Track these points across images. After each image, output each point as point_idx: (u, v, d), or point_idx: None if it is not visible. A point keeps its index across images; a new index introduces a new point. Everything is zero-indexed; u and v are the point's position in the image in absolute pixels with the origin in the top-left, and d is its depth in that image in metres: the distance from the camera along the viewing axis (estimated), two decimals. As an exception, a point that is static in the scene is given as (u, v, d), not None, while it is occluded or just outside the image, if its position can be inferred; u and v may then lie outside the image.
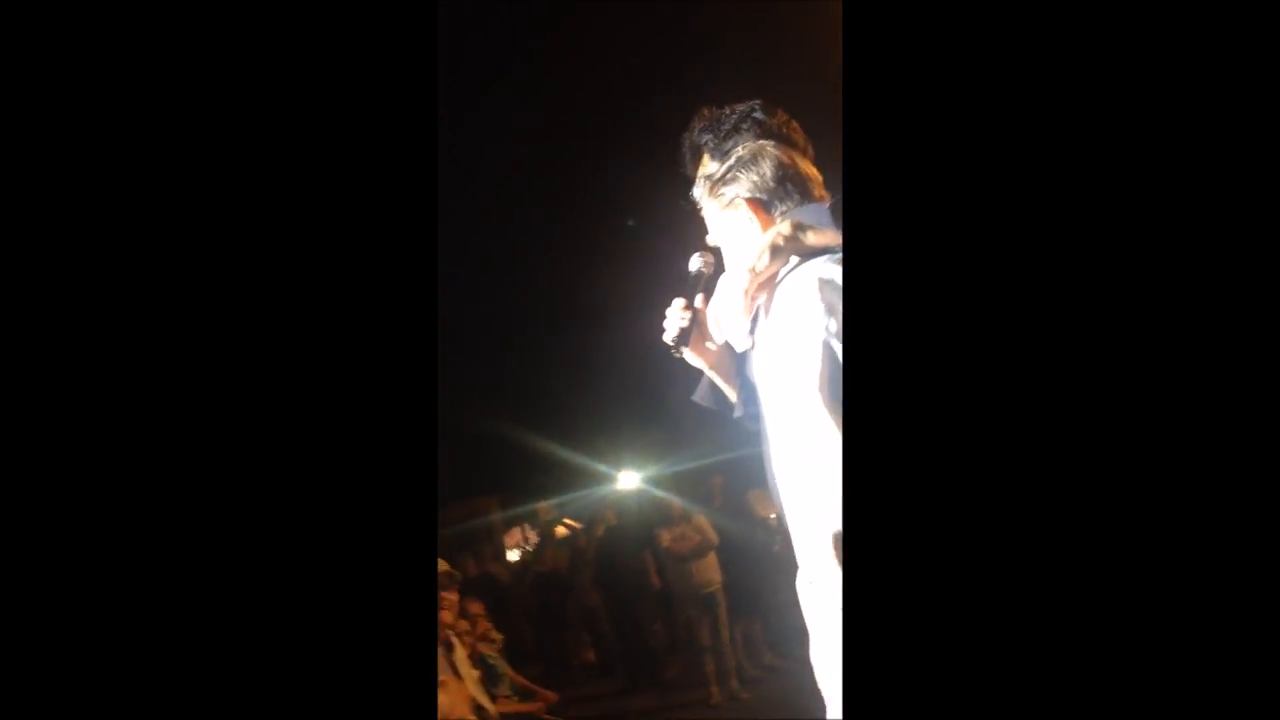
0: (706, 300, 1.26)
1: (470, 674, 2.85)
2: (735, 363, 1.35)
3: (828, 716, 0.97)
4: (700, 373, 1.40)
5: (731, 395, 1.37)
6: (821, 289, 1.01)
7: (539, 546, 8.32)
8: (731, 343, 1.21)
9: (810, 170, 1.34)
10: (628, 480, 10.22)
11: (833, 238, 1.09)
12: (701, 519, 5.38)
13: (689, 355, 1.35)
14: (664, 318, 1.35)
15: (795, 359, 0.99)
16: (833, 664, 0.91)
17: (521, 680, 3.83)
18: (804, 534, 0.97)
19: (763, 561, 5.55)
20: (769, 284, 1.11)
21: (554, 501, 8.61)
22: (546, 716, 3.47)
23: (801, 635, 1.05)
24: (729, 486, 5.83)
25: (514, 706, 3.25)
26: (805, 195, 1.18)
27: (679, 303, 1.30)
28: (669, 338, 1.33)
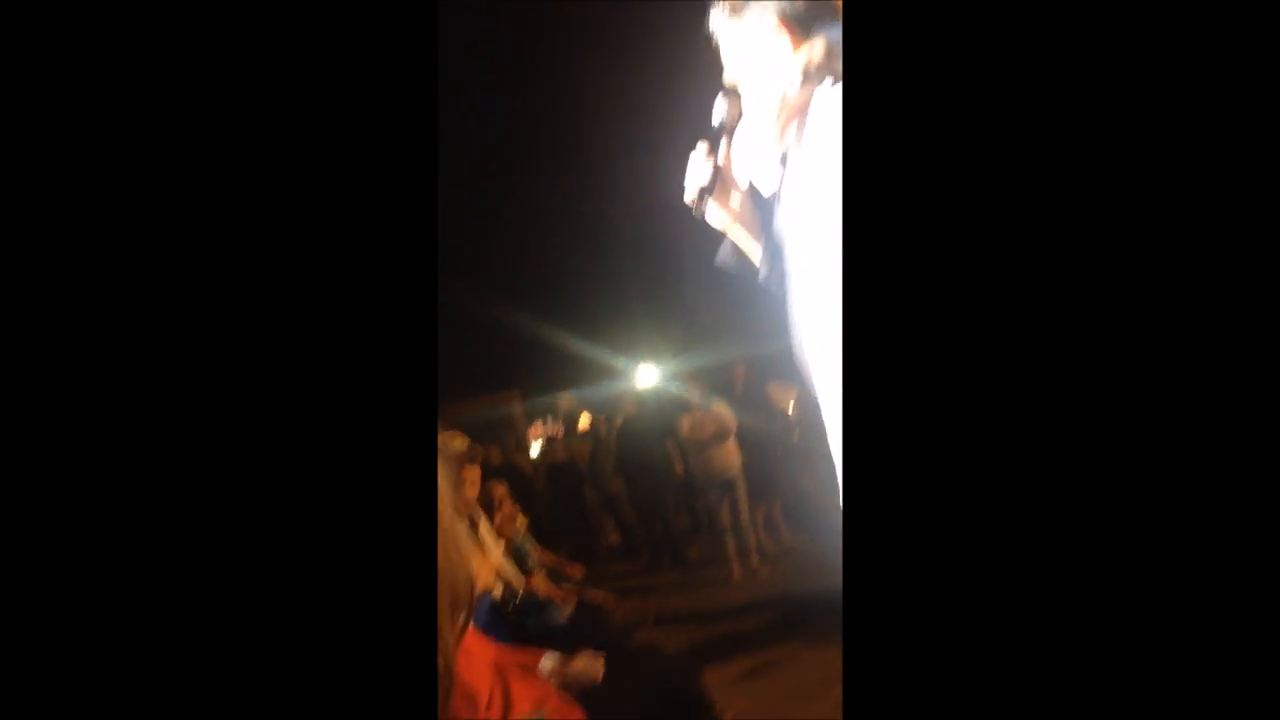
0: (729, 150, 1.20)
1: (495, 547, 2.95)
2: (760, 218, 1.30)
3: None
4: (722, 236, 1.36)
5: (756, 256, 1.33)
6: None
7: (561, 437, 8.48)
8: (757, 185, 1.14)
9: None
10: (647, 373, 10.30)
11: None
12: (720, 407, 5.43)
13: (711, 214, 1.30)
14: (683, 175, 1.29)
15: (833, 196, 0.89)
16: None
17: (548, 556, 3.96)
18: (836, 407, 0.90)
19: (782, 448, 5.64)
20: (801, 113, 1.01)
21: (575, 393, 8.72)
22: (572, 585, 3.60)
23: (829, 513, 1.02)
24: (750, 375, 5.85)
25: (541, 581, 3.37)
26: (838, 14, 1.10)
27: (701, 149, 1.23)
28: (689, 198, 1.27)
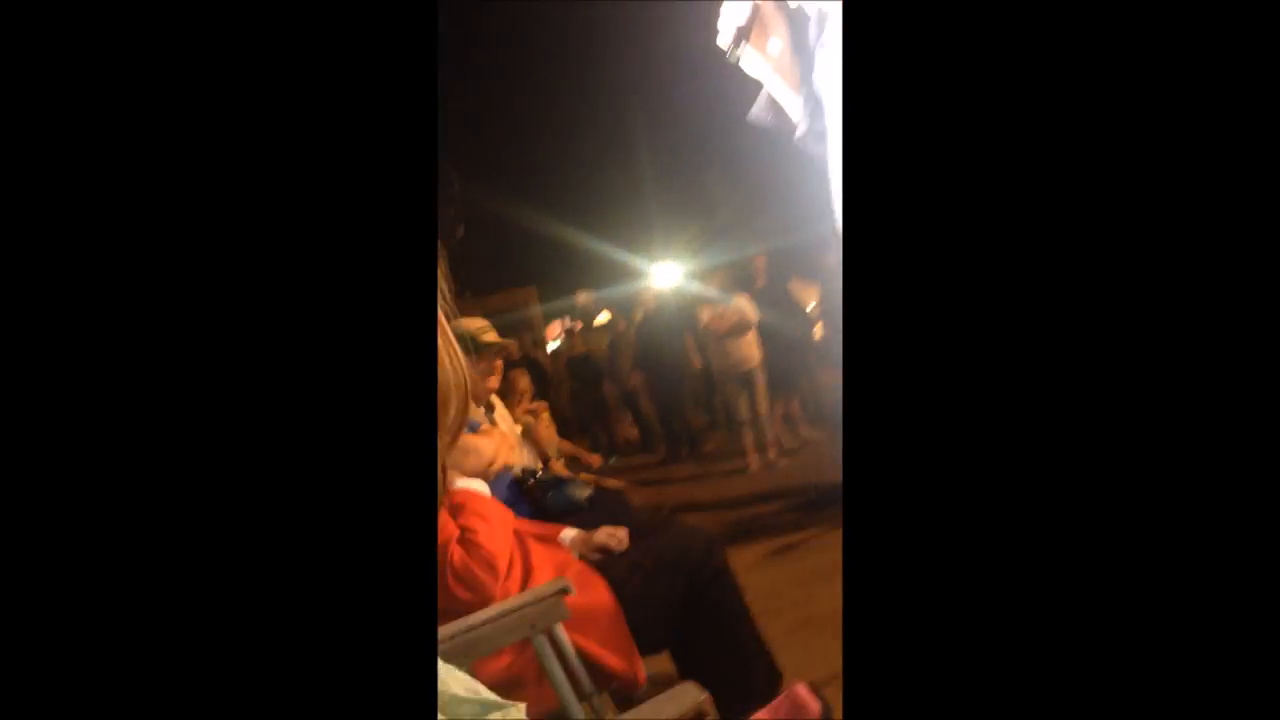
0: None
1: (513, 429, 2.94)
2: (801, 68, 1.20)
3: None
4: (759, 87, 1.26)
5: (794, 111, 1.23)
6: None
7: (580, 332, 8.47)
8: (799, 30, 1.03)
9: None
10: (666, 272, 10.19)
11: None
12: (742, 299, 5.35)
13: (747, 59, 1.20)
14: (717, 15, 1.18)
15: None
16: None
17: (567, 445, 3.99)
18: None
19: (802, 343, 5.58)
20: None
21: (593, 292, 8.67)
22: (591, 473, 3.63)
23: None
24: (771, 267, 5.74)
25: (560, 468, 3.39)
26: None
27: None
28: (724, 41, 1.17)
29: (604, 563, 1.70)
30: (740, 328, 5.28)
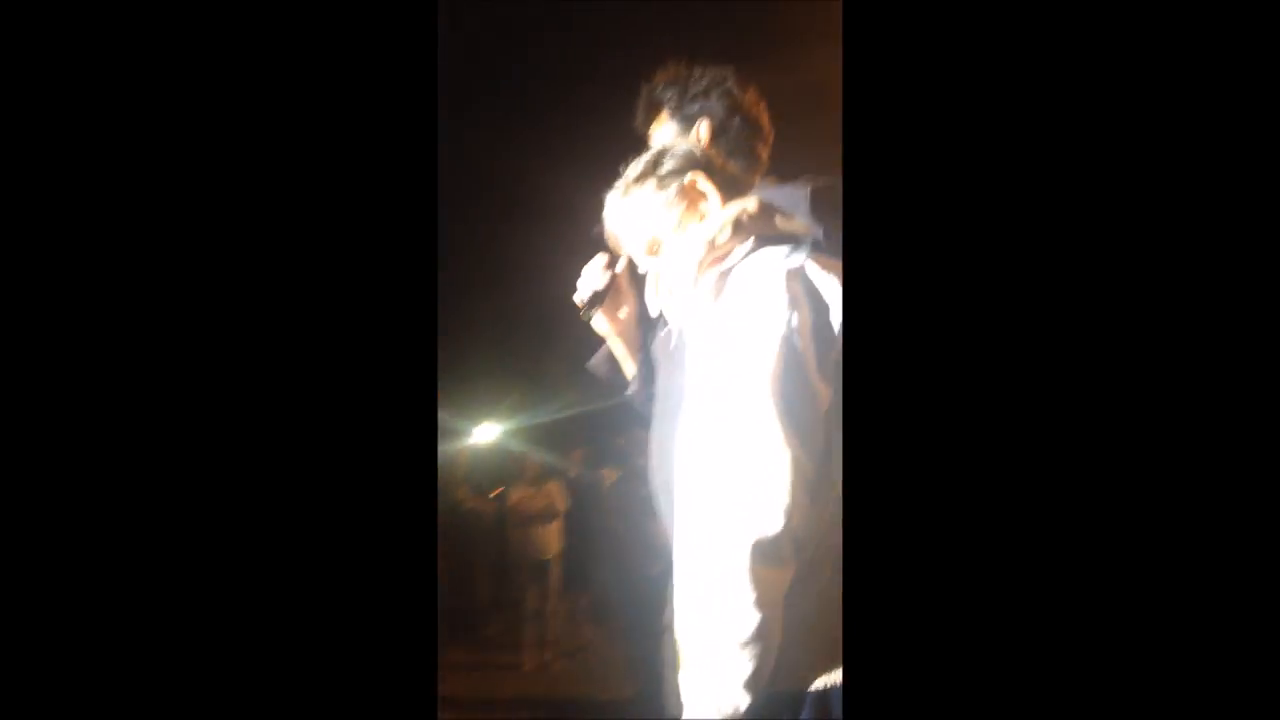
0: (628, 269, 1.17)
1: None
2: (641, 337, 1.28)
3: None
4: (601, 341, 1.32)
5: (629, 371, 1.29)
6: (789, 280, 0.90)
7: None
8: (667, 314, 1.10)
9: (764, 158, 1.27)
10: (486, 433, 10.01)
11: (803, 227, 1.00)
12: (554, 485, 5.31)
13: (597, 320, 1.26)
14: (578, 276, 1.25)
15: (748, 351, 0.88)
16: (704, 690, 0.84)
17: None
18: (705, 542, 0.86)
19: (603, 537, 5.55)
20: (721, 260, 0.98)
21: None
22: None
23: (664, 653, 0.97)
24: (589, 458, 5.78)
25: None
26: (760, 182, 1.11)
27: (600, 260, 1.21)
28: (581, 297, 1.24)
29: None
30: (546, 515, 5.20)
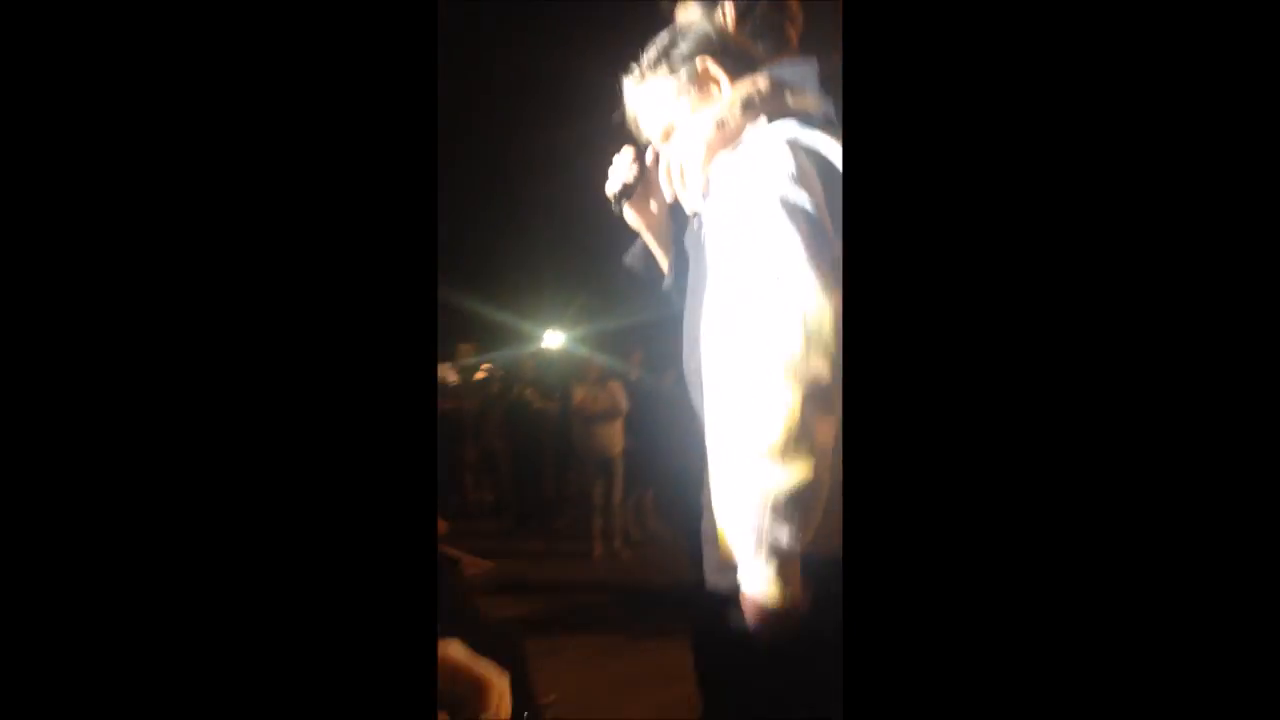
0: (657, 160, 1.20)
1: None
2: (674, 229, 1.30)
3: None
4: (636, 234, 1.35)
5: (664, 263, 1.33)
6: (798, 153, 0.91)
7: (454, 386, 8.33)
8: (683, 200, 1.13)
9: (794, 40, 1.25)
10: (552, 339, 10.20)
11: (814, 103, 1.01)
12: (615, 385, 5.45)
13: (628, 214, 1.29)
14: (609, 167, 1.27)
15: (763, 226, 0.89)
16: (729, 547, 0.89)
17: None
18: (727, 436, 0.88)
19: (667, 437, 5.70)
20: (733, 141, 1.00)
21: (481, 357, 8.56)
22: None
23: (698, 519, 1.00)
24: (647, 361, 5.89)
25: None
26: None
27: (628, 152, 1.22)
28: (611, 191, 1.26)
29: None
30: (609, 414, 5.37)
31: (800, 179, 0.90)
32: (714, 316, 0.96)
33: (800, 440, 0.83)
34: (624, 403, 5.39)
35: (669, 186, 1.11)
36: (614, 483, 5.38)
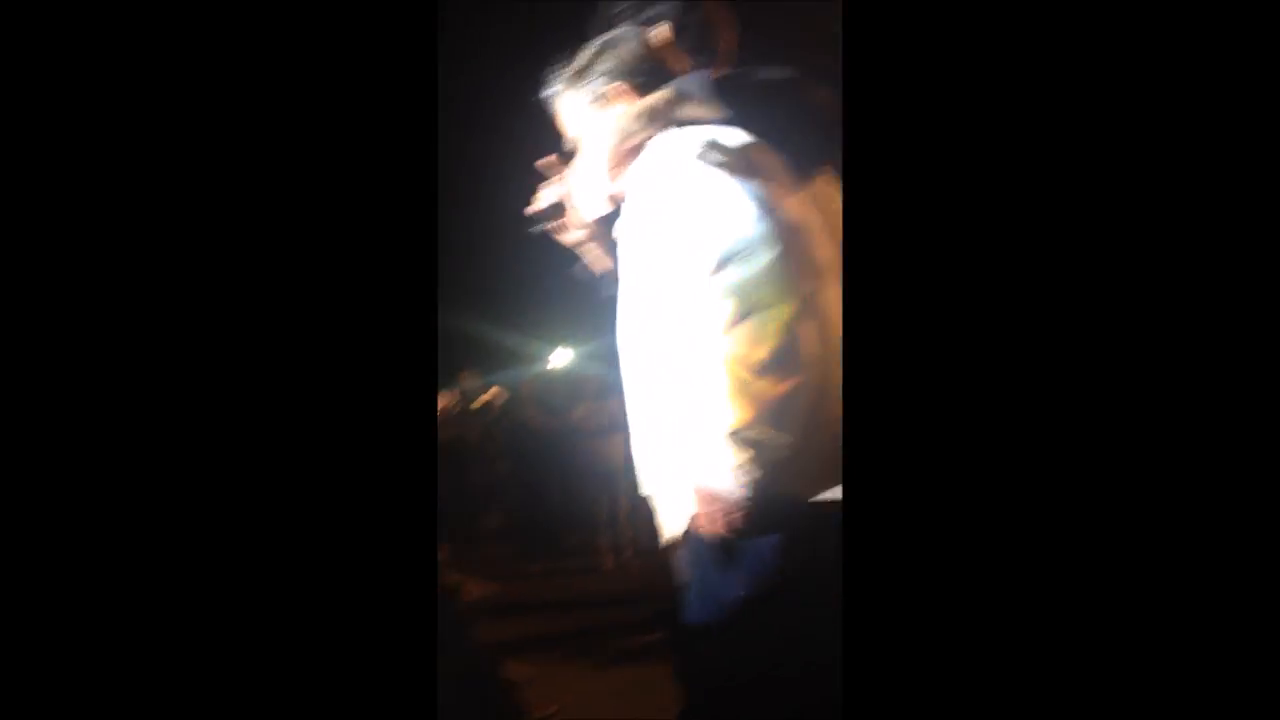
0: (570, 184, 1.23)
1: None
2: (605, 238, 1.34)
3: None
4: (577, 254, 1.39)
5: (602, 272, 1.36)
6: (705, 151, 0.95)
7: (456, 415, 8.35)
8: (587, 212, 1.18)
9: (726, 53, 1.29)
10: (559, 357, 10.21)
11: (712, 111, 1.04)
12: (615, 401, 5.48)
13: (559, 232, 1.33)
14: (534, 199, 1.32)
15: (667, 229, 0.94)
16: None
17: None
18: (655, 433, 0.94)
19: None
20: (636, 152, 1.05)
21: (479, 376, 8.58)
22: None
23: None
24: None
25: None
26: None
27: (543, 171, 1.26)
28: (533, 211, 1.30)
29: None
30: (610, 427, 5.39)
31: (699, 178, 0.95)
32: (627, 310, 1.02)
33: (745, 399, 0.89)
34: (624, 415, 5.41)
35: (579, 199, 1.16)
36: (618, 495, 5.40)
